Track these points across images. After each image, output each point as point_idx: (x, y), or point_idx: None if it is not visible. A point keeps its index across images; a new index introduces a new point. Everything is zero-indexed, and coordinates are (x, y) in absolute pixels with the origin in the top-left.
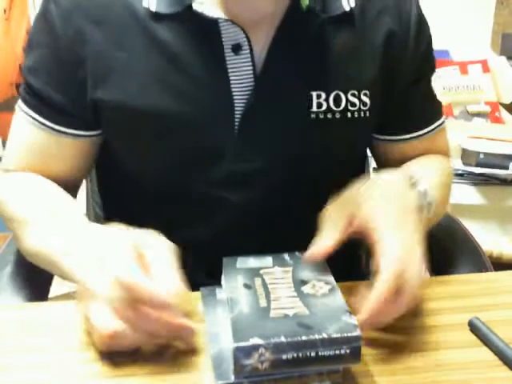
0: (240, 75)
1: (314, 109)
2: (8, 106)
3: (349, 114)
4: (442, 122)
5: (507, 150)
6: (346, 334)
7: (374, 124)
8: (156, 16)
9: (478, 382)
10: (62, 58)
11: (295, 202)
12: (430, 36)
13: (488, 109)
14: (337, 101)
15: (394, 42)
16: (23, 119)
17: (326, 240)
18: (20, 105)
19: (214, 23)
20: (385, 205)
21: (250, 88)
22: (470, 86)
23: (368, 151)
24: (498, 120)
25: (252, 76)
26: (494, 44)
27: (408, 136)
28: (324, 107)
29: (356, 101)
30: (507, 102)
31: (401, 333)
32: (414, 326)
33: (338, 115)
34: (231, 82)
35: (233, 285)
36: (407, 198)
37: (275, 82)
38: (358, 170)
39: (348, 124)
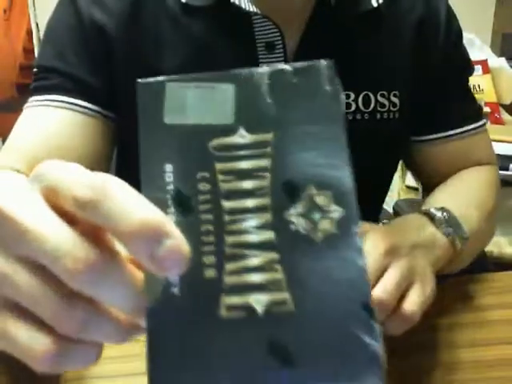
0: None
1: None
2: (8, 106)
3: (378, 115)
4: (478, 127)
5: (507, 150)
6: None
7: (404, 125)
8: (186, 8)
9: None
10: (89, 38)
11: None
12: (459, 29)
13: (488, 110)
14: (366, 102)
15: (425, 34)
16: (37, 111)
17: None
18: (36, 98)
19: (247, 18)
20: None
21: None
22: (470, 86)
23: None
24: (498, 121)
25: None
26: (493, 44)
27: (434, 136)
28: (353, 108)
29: (385, 102)
30: (507, 102)
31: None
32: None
33: (366, 116)
34: None
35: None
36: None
37: None
38: (388, 175)
39: (376, 125)
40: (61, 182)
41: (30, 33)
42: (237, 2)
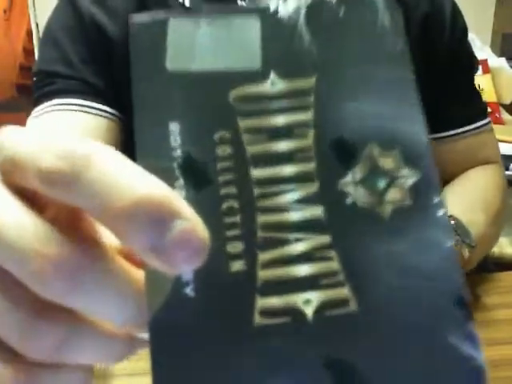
0: None
1: None
2: (8, 107)
3: None
4: (485, 125)
5: (507, 150)
6: None
7: None
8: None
9: None
10: (90, 39)
11: None
12: (465, 26)
13: (488, 109)
14: None
15: (429, 31)
16: (49, 117)
17: None
18: (45, 104)
19: None
20: None
21: None
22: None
23: None
24: (498, 121)
25: None
26: (493, 44)
27: (441, 135)
28: None
29: None
30: (507, 102)
31: None
32: None
33: None
34: None
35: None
36: None
37: None
38: None
39: None
40: (22, 152)
41: (30, 33)
42: (245, 5)
